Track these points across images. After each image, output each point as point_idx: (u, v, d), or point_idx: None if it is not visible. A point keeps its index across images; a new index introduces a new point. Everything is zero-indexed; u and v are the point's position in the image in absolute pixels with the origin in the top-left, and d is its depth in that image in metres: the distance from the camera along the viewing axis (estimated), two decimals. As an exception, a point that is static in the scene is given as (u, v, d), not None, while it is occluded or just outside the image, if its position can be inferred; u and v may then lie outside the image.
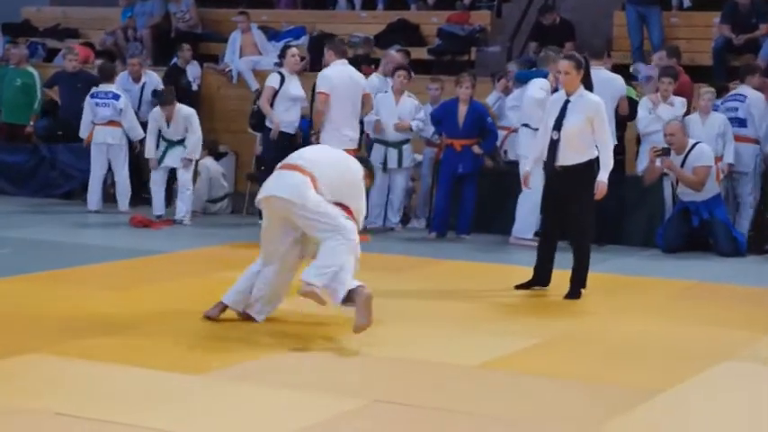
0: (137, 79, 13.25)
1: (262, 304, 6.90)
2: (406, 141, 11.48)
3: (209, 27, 15.98)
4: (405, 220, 11.75)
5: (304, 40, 14.91)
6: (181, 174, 11.53)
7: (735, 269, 9.75)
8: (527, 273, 8.31)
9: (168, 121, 11.47)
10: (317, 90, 10.51)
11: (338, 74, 10.52)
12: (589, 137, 7.90)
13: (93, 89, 12.35)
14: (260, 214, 11.53)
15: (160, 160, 11.65)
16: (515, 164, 11.09)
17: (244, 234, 10.92)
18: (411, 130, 11.37)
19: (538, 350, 6.57)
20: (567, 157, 7.89)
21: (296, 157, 6.91)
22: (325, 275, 6.46)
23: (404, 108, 11.38)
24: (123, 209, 12.08)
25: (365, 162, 7.29)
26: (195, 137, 11.55)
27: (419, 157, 11.83)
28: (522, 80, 11.08)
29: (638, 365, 6.28)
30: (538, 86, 10.58)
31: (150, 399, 5.32)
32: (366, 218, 11.43)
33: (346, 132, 10.41)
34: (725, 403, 5.67)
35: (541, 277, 8.21)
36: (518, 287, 8.19)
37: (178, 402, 5.30)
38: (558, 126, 7.88)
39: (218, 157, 12.53)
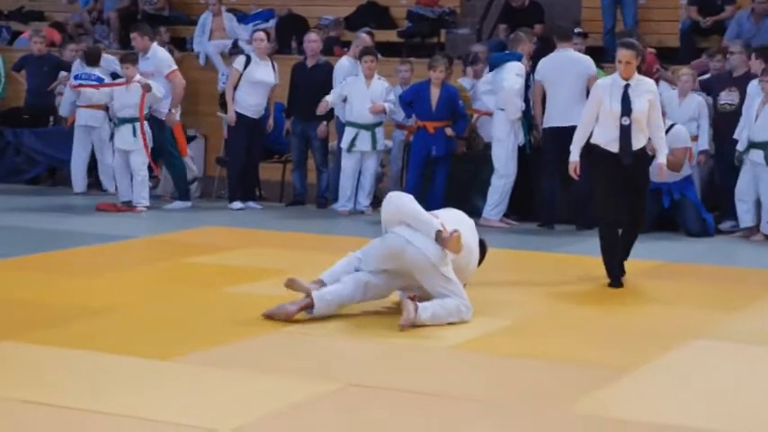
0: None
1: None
2: (379, 124, 11.44)
3: (176, 9, 15.87)
4: (375, 203, 11.71)
5: (273, 22, 14.84)
6: (133, 159, 11.22)
7: (702, 249, 9.80)
8: (496, 255, 8.29)
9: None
10: (171, 69, 11.44)
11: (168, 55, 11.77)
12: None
13: (78, 71, 12.25)
14: (230, 198, 11.64)
15: (110, 139, 11.60)
16: (487, 146, 11.11)
17: (213, 218, 10.88)
18: (385, 112, 11.34)
19: (509, 332, 6.59)
20: (638, 141, 7.93)
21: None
22: (428, 315, 6.48)
23: (375, 91, 11.32)
24: (112, 190, 11.94)
25: (483, 245, 7.22)
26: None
27: (389, 143, 11.80)
28: (496, 63, 11.03)
29: (607, 345, 6.30)
30: (514, 73, 10.55)
31: (120, 385, 5.27)
32: (336, 201, 11.60)
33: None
34: (692, 381, 5.70)
35: (620, 271, 8.07)
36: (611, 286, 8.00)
37: (148, 388, 5.26)
38: (626, 111, 7.85)
39: (186, 140, 12.42)
